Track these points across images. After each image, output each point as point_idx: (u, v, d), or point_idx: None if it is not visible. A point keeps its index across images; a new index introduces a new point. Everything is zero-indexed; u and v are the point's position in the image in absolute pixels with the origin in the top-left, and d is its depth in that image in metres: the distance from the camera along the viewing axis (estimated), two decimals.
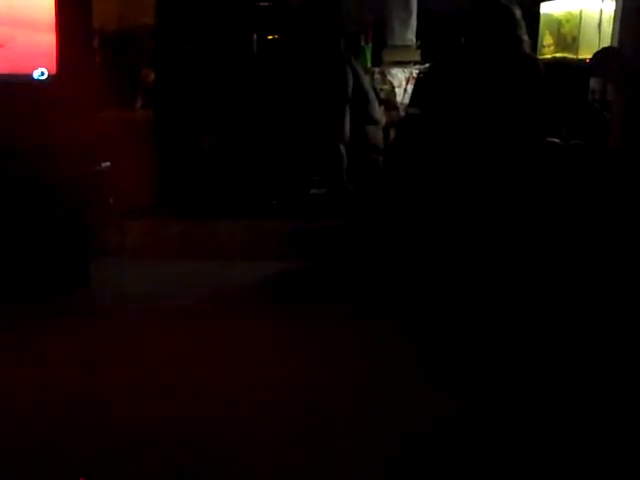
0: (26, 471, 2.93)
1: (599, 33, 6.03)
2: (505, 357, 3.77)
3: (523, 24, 4.57)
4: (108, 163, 5.51)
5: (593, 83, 5.63)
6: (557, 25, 6.57)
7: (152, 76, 6.78)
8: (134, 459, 2.99)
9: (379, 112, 6.56)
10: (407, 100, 6.35)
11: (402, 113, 6.49)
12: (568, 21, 6.43)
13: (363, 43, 6.95)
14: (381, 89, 6.82)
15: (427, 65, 6.52)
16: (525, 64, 4.55)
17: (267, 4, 6.87)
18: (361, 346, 3.97)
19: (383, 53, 7.00)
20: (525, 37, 4.57)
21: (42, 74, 4.91)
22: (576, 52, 6.14)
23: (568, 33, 6.39)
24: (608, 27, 5.87)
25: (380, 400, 3.41)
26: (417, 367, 3.69)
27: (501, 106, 4.40)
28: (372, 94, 6.51)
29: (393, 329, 4.13)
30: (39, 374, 3.64)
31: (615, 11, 5.59)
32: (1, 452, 3.02)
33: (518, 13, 4.56)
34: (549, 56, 6.33)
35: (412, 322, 4.21)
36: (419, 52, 6.98)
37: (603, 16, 6.04)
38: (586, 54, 5.87)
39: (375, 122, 6.48)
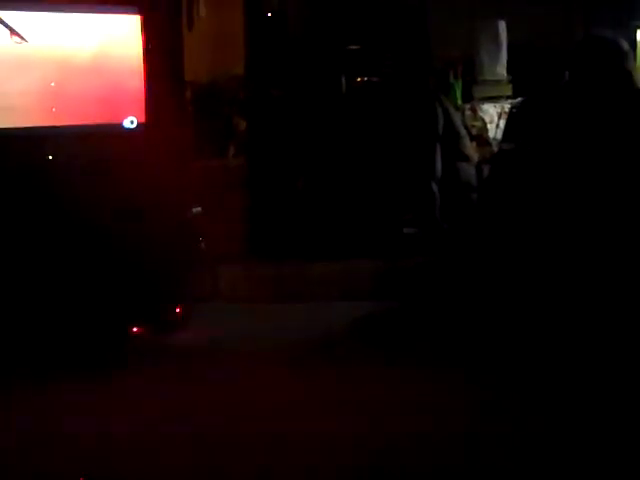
0: None
1: None
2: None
3: (631, 56, 4.41)
4: (199, 208, 5.60)
5: None
6: None
7: (243, 124, 6.87)
8: None
9: (471, 149, 6.50)
10: (500, 136, 6.16)
11: (495, 149, 6.39)
12: None
13: (452, 80, 6.90)
14: (472, 125, 6.74)
15: (520, 99, 6.37)
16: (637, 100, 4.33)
17: (356, 47, 6.95)
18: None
19: (473, 89, 6.94)
20: (634, 71, 4.38)
21: (132, 122, 4.97)
22: None
23: None
24: None
25: None
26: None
27: (609, 147, 4.22)
28: (463, 131, 6.45)
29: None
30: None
31: None
32: None
33: (626, 45, 4.39)
34: None
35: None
36: (511, 86, 6.83)
37: None
38: None
39: (467, 159, 6.42)
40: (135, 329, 4.88)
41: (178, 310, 5.11)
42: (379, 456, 3.31)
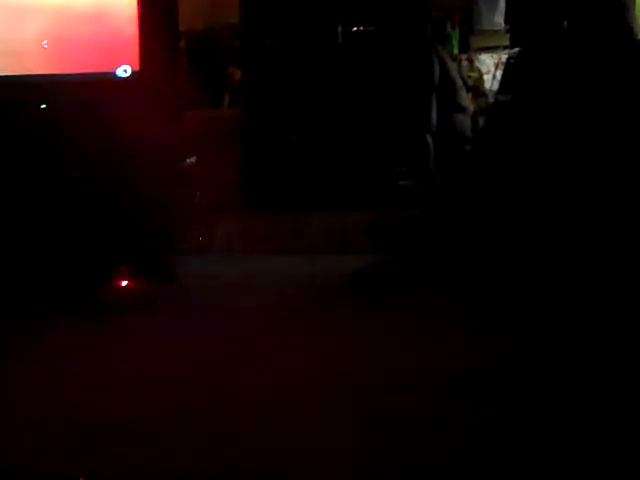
0: None
1: None
2: None
3: (633, 9, 4.40)
4: (194, 159, 5.49)
5: None
6: None
7: (239, 74, 6.80)
8: None
9: (467, 100, 6.43)
10: (496, 87, 6.18)
11: (491, 100, 6.34)
12: None
13: (450, 29, 6.80)
14: (469, 76, 6.66)
15: (517, 50, 6.27)
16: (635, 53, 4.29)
17: None
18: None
19: (470, 39, 6.84)
20: (634, 24, 4.35)
21: (125, 71, 4.89)
22: None
23: None
24: None
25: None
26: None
27: (605, 99, 4.22)
28: (459, 82, 6.39)
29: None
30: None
31: None
32: None
33: None
34: None
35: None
36: (508, 36, 6.55)
37: None
38: None
39: (463, 110, 6.36)
40: (124, 279, 4.83)
41: (170, 261, 5.02)
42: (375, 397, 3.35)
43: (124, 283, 4.82)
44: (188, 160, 5.41)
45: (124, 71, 4.88)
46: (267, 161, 6.21)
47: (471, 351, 3.69)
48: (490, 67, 6.67)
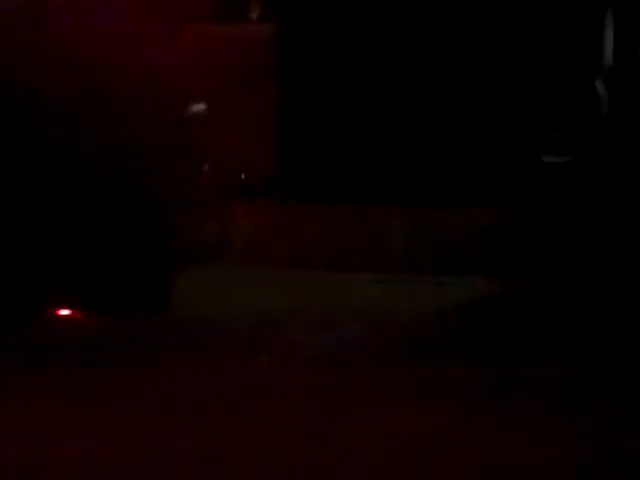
0: None
1: None
2: None
3: None
4: (202, 106, 4.17)
5: None
6: None
7: None
8: None
9: None
10: None
11: None
12: None
13: None
14: None
15: None
16: None
17: None
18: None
19: None
20: None
21: None
22: None
23: None
24: None
25: None
26: None
27: None
28: None
29: None
30: None
31: None
32: None
33: None
34: None
35: None
36: None
37: None
38: None
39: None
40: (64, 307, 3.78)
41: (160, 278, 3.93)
42: None
43: (64, 312, 3.80)
44: (192, 108, 4.14)
45: None
46: (316, 116, 4.79)
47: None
48: None
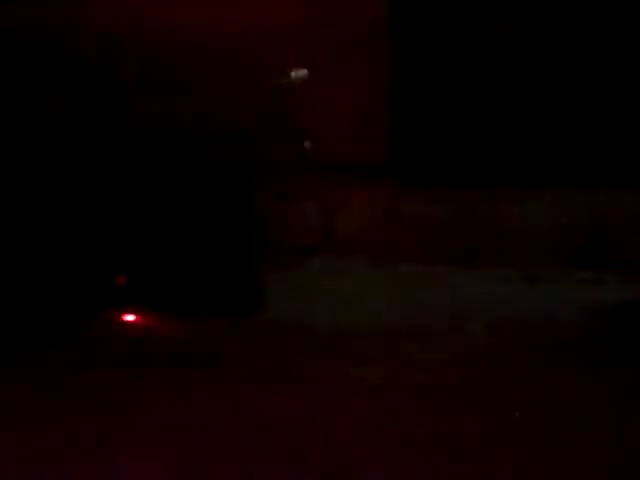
0: None
1: None
2: None
3: None
4: (303, 71, 3.57)
5: None
6: None
7: None
8: None
9: None
10: None
11: None
12: None
13: None
14: None
15: None
16: None
17: None
18: None
19: None
20: None
21: None
22: None
23: None
24: None
25: None
26: None
27: None
28: None
29: None
30: None
31: None
32: None
33: None
34: None
35: None
36: None
37: None
38: None
39: None
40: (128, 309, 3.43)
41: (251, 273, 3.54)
42: None
43: (129, 317, 3.47)
44: (290, 74, 3.59)
45: None
46: (436, 74, 4.10)
47: None
48: None
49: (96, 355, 3.41)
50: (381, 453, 2.63)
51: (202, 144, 3.39)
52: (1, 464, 2.53)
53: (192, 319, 3.54)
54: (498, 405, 2.97)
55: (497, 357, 3.33)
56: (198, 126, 3.38)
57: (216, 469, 2.53)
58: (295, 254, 3.82)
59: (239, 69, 3.44)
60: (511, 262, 3.84)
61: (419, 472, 2.56)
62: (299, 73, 3.56)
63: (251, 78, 3.43)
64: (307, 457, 2.58)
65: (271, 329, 3.42)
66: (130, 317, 3.53)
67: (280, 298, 3.61)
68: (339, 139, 3.79)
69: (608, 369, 3.22)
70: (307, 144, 3.70)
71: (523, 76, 4.17)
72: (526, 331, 3.61)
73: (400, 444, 2.68)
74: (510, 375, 3.17)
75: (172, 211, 3.54)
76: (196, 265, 3.59)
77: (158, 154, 3.48)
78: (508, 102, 4.19)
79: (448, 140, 4.00)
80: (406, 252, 3.84)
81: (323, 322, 3.62)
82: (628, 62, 4.13)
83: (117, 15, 3.59)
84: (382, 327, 3.54)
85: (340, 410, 2.87)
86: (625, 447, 2.72)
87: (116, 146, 3.44)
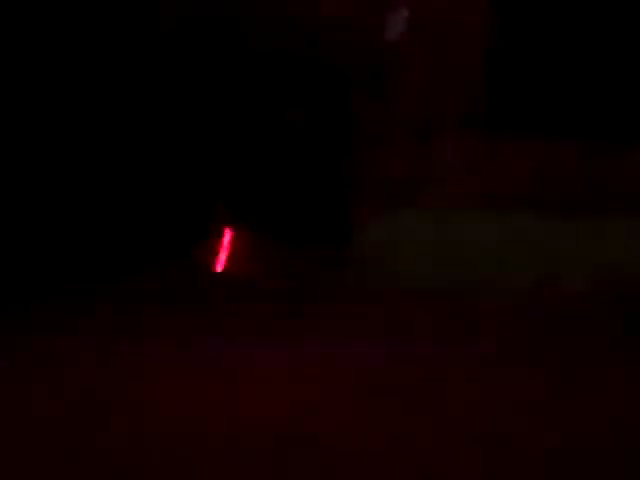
0: None
1: None
2: None
3: None
4: (402, 15, 3.39)
5: None
6: None
7: None
8: None
9: None
10: None
11: None
12: None
13: None
14: None
15: None
16: None
17: None
18: None
19: None
20: None
21: None
22: None
23: None
24: None
25: None
26: None
27: None
28: None
29: None
30: None
31: None
32: None
33: None
34: None
35: None
36: None
37: None
38: None
39: None
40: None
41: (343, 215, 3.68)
42: None
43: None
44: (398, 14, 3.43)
45: None
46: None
47: None
48: None
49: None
50: None
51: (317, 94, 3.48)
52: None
53: (288, 248, 3.58)
54: None
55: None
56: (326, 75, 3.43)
57: None
58: (391, 202, 3.77)
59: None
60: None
61: None
62: (395, 19, 3.40)
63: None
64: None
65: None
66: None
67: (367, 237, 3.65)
68: (431, 91, 3.69)
69: None
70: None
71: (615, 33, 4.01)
72: None
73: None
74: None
75: (282, 150, 3.59)
76: (297, 197, 3.60)
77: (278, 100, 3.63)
78: (607, 52, 4.05)
79: (542, 92, 3.84)
80: (501, 203, 3.70)
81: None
82: None
83: None
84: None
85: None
86: None
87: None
